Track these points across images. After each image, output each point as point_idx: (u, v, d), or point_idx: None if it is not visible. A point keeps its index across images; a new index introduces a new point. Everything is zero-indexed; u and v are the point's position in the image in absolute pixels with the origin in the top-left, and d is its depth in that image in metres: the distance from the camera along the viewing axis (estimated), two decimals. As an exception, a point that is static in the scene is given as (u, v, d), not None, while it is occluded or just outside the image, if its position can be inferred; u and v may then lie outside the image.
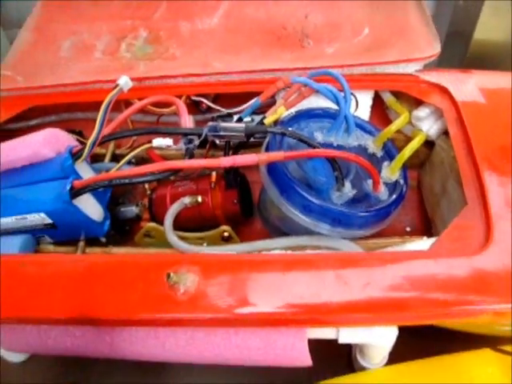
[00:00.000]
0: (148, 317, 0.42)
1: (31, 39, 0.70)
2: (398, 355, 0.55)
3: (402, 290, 0.41)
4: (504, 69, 0.62)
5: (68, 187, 0.46)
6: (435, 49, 0.56)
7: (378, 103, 0.60)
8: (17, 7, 1.11)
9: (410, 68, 0.56)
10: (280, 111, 0.50)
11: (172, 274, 0.41)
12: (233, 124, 0.48)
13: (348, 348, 0.58)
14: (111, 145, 0.60)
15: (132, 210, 0.56)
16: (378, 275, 0.42)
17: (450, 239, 0.43)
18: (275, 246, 0.49)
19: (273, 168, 0.48)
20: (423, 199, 0.59)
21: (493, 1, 0.80)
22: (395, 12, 0.64)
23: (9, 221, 0.49)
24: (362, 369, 0.55)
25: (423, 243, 0.45)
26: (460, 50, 0.88)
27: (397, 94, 0.58)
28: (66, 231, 0.50)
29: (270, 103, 0.54)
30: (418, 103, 0.56)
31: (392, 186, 0.50)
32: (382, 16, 0.64)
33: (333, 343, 0.52)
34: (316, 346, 0.51)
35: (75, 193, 0.47)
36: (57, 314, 0.43)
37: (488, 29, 0.83)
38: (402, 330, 0.48)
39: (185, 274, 0.42)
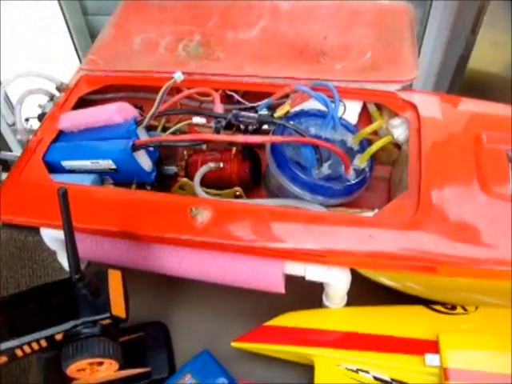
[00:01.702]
0: (174, 236, 0.60)
1: (112, 33, 0.88)
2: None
3: (349, 241, 0.59)
4: (500, 98, 0.78)
5: (130, 143, 0.66)
6: (413, 75, 0.73)
7: (366, 111, 0.78)
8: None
9: (393, 87, 0.73)
10: (286, 109, 0.68)
11: (193, 209, 0.61)
12: (250, 114, 0.67)
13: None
14: (163, 119, 0.79)
15: (172, 168, 0.75)
16: (335, 229, 0.60)
17: (389, 211, 0.61)
18: (270, 204, 0.68)
19: (274, 148, 0.67)
20: (390, 188, 0.77)
21: (489, 34, 0.94)
22: (393, 42, 0.79)
23: (86, 163, 0.70)
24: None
25: (372, 213, 0.63)
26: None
27: (379, 106, 0.76)
28: (124, 175, 0.70)
29: (281, 102, 0.73)
30: (394, 114, 0.73)
31: (360, 172, 0.68)
32: (382, 44, 0.80)
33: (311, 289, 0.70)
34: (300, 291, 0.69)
35: (135, 148, 0.66)
36: (110, 226, 0.62)
37: (483, 60, 0.98)
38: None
39: (202, 210, 0.61)
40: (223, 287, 0.70)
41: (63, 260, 0.77)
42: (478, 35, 0.93)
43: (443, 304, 0.68)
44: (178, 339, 0.74)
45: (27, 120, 0.79)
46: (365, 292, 0.70)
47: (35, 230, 1.44)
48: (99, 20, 1.35)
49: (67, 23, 1.30)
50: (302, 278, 0.64)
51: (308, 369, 0.67)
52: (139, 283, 0.60)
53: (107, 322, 0.53)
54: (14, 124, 0.79)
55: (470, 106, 0.73)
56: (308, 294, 0.71)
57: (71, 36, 1.33)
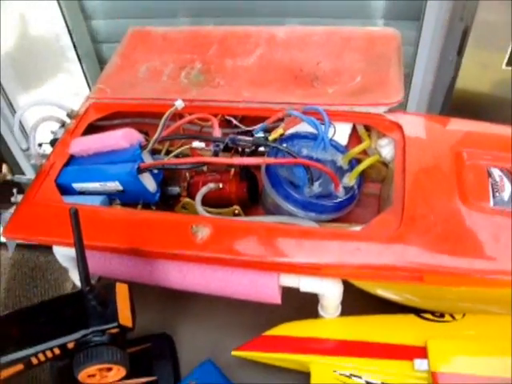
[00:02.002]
0: (176, 252, 0.65)
1: (119, 62, 0.94)
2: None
3: (338, 254, 0.64)
4: (491, 117, 0.82)
5: (136, 166, 0.72)
6: (399, 97, 0.78)
7: (356, 132, 0.83)
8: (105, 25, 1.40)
9: (379, 109, 0.78)
10: (279, 132, 0.73)
11: (194, 226, 0.66)
12: (245, 137, 0.73)
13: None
14: (166, 144, 0.85)
15: (176, 189, 0.80)
16: (325, 243, 0.65)
17: (375, 225, 0.65)
18: (266, 221, 0.73)
19: (269, 169, 0.72)
20: (379, 204, 0.81)
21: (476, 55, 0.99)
22: (381, 67, 0.85)
23: (95, 185, 0.75)
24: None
25: (360, 228, 0.68)
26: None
27: (368, 127, 0.80)
28: (130, 196, 0.75)
29: (276, 125, 0.78)
30: (382, 135, 0.78)
31: (349, 189, 0.73)
32: (371, 69, 0.85)
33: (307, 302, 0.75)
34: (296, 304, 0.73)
35: (140, 171, 0.72)
36: (118, 244, 0.67)
37: (470, 80, 1.02)
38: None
39: (202, 227, 0.66)
40: (224, 301, 0.75)
41: (74, 276, 0.82)
42: (464, 57, 0.97)
43: (432, 312, 0.72)
44: (182, 349, 0.79)
45: (40, 145, 0.85)
46: (358, 303, 0.74)
47: (47, 251, 1.51)
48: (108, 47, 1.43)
49: (76, 50, 1.37)
50: (298, 291, 0.69)
51: (305, 376, 0.71)
52: (146, 298, 0.65)
53: (115, 330, 0.58)
54: (27, 149, 0.85)
55: (453, 125, 0.78)
56: (304, 306, 0.74)
57: (80, 62, 1.40)
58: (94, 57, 1.45)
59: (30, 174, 1.08)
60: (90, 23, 1.39)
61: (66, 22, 1.31)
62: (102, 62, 1.46)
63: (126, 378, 0.63)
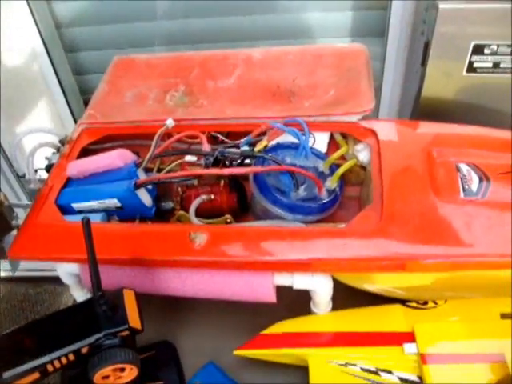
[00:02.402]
0: (176, 258, 0.70)
1: (106, 89, 0.99)
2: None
3: (326, 250, 0.69)
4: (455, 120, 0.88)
5: (133, 183, 0.77)
6: (370, 106, 0.84)
7: (333, 140, 0.90)
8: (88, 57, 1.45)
9: (354, 118, 0.84)
10: (264, 143, 0.79)
11: (192, 233, 0.71)
12: (233, 150, 0.79)
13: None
14: (158, 162, 0.90)
15: (169, 204, 0.85)
16: (314, 241, 0.70)
17: (357, 222, 0.71)
18: (257, 225, 0.78)
19: (257, 177, 0.78)
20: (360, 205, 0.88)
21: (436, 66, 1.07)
22: (352, 80, 0.91)
23: (94, 204, 0.79)
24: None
25: (343, 225, 0.74)
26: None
27: (344, 135, 0.87)
28: (128, 212, 0.79)
29: (261, 138, 0.84)
30: (357, 141, 0.84)
31: (331, 192, 0.79)
32: (343, 82, 0.92)
33: (299, 303, 0.79)
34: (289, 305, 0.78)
35: (137, 186, 0.77)
36: (120, 255, 0.71)
37: (434, 88, 1.10)
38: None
39: (199, 234, 0.71)
40: (222, 306, 0.79)
41: (76, 293, 0.85)
42: (428, 68, 1.05)
43: (416, 301, 0.77)
44: (184, 354, 0.82)
45: (36, 171, 0.90)
46: (347, 299, 0.79)
47: (35, 283, 1.53)
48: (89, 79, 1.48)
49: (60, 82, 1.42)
50: (289, 293, 0.73)
51: (304, 373, 0.75)
52: (147, 308, 0.69)
53: (126, 333, 0.62)
54: (23, 176, 0.89)
55: (422, 127, 0.85)
56: (296, 307, 0.79)
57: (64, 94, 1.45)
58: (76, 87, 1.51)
59: (24, 200, 1.12)
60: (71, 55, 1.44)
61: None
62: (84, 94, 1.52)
63: (134, 383, 0.67)
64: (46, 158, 0.91)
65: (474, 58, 0.99)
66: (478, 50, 0.97)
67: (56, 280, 0.82)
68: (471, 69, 1.01)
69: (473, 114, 1.07)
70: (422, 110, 1.12)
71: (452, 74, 1.06)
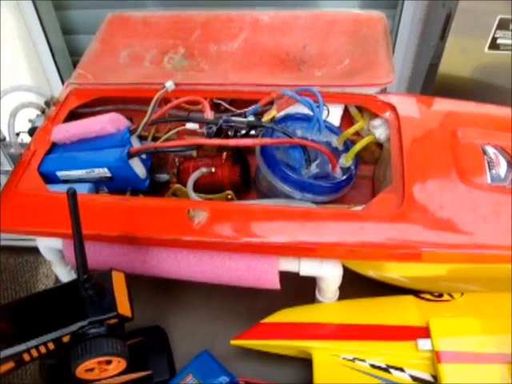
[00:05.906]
0: (172, 237, 0.63)
1: (98, 48, 0.91)
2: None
3: (340, 233, 0.62)
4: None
5: (126, 151, 0.69)
6: (390, 78, 0.77)
7: (347, 114, 0.82)
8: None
9: (371, 90, 0.77)
10: (273, 113, 0.72)
11: (191, 210, 0.63)
12: (240, 118, 0.70)
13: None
14: (153, 129, 0.82)
15: (164, 176, 0.78)
16: (327, 223, 0.63)
17: (376, 204, 0.64)
18: (263, 204, 0.71)
19: (264, 150, 0.70)
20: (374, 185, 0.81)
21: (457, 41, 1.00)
22: (369, 49, 0.84)
23: (81, 173, 0.71)
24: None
25: (360, 208, 0.67)
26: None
27: (360, 108, 0.80)
28: (119, 183, 0.72)
29: (268, 108, 0.76)
30: (374, 115, 0.77)
31: (346, 170, 0.72)
32: (359, 51, 0.85)
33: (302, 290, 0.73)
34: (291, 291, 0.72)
35: (130, 155, 0.69)
36: (107, 232, 0.64)
37: (452, 64, 1.03)
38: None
39: (199, 212, 0.63)
40: (218, 290, 0.72)
41: (58, 270, 0.78)
42: (447, 42, 0.98)
43: (431, 293, 0.71)
44: (177, 342, 0.76)
45: (17, 134, 0.81)
46: (354, 288, 0.73)
47: (17, 252, 1.44)
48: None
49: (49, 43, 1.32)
50: (295, 277, 0.67)
51: (304, 364, 0.70)
52: (136, 290, 0.62)
53: (114, 321, 0.55)
54: (4, 139, 0.81)
55: (444, 105, 0.78)
56: (299, 294, 0.74)
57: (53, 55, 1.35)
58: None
59: (5, 166, 1.03)
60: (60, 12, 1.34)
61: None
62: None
63: (121, 373, 0.60)
64: (30, 121, 0.82)
65: (499, 33, 0.92)
66: (504, 25, 0.90)
67: (38, 250, 0.74)
68: (494, 45, 0.94)
69: (491, 94, 1.01)
70: (438, 87, 1.05)
71: (473, 50, 0.99)
